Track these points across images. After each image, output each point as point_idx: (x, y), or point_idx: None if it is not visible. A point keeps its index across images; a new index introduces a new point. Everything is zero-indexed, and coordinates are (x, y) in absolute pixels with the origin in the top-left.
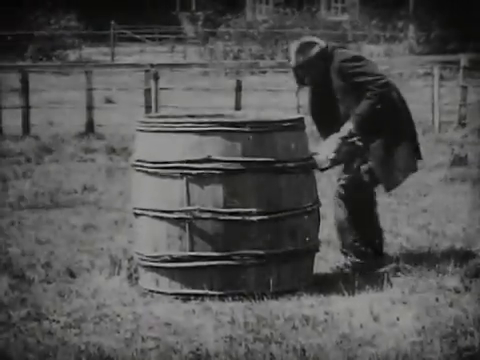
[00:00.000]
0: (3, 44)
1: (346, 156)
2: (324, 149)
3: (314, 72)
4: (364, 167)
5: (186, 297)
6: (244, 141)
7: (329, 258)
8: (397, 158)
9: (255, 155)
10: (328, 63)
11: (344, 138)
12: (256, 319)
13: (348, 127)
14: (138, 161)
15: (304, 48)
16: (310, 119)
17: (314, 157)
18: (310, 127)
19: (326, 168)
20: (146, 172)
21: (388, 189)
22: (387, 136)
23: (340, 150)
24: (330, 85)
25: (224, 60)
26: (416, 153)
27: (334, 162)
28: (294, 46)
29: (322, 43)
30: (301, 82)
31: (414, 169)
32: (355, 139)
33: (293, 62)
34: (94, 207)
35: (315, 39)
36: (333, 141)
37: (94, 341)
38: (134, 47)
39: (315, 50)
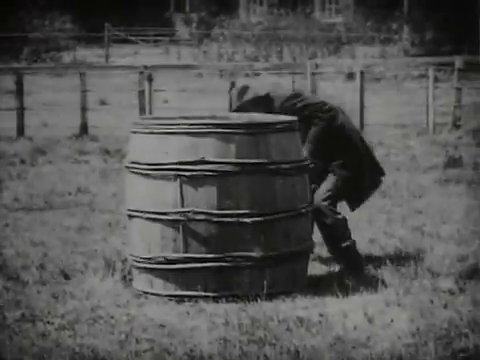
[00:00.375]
0: None
1: None
2: None
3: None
4: (321, 191)
5: (180, 299)
6: (238, 143)
7: (323, 260)
8: (360, 178)
9: (249, 157)
10: (270, 108)
11: None
12: (250, 321)
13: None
14: (132, 163)
15: (242, 92)
16: None
17: None
18: None
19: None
20: (140, 174)
21: (353, 209)
22: (346, 158)
23: None
24: None
25: (218, 62)
26: (378, 169)
27: None
28: (234, 91)
29: (258, 91)
30: None
31: (377, 186)
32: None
33: (233, 106)
34: (88, 209)
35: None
36: None
37: (88, 343)
38: (128, 49)
39: (250, 94)
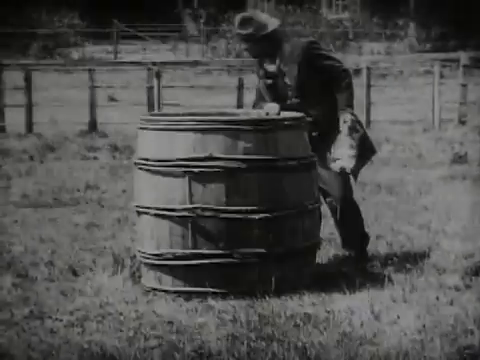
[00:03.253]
0: (6, 42)
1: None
2: (338, 152)
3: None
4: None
5: (188, 295)
6: (246, 139)
7: (331, 256)
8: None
9: (257, 153)
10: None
11: (351, 131)
12: (258, 317)
13: (347, 121)
14: (140, 159)
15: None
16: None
17: (337, 164)
18: None
19: (356, 169)
20: (148, 170)
21: (356, 177)
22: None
23: (356, 145)
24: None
25: (226, 58)
26: None
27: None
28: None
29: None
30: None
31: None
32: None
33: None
34: (97, 205)
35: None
36: (343, 141)
37: (97, 340)
38: (137, 45)
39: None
